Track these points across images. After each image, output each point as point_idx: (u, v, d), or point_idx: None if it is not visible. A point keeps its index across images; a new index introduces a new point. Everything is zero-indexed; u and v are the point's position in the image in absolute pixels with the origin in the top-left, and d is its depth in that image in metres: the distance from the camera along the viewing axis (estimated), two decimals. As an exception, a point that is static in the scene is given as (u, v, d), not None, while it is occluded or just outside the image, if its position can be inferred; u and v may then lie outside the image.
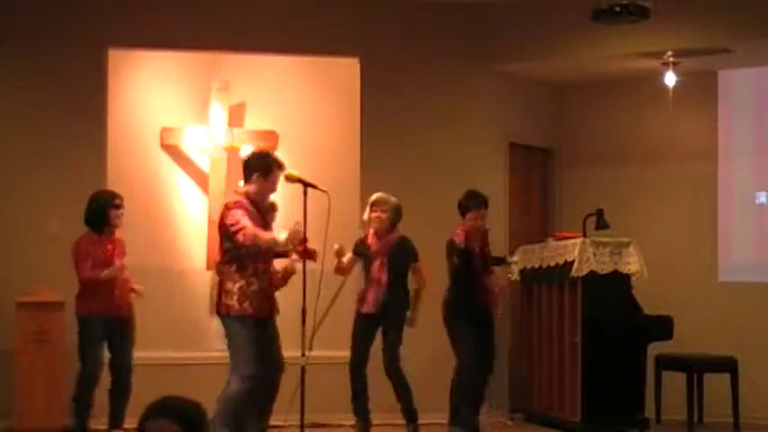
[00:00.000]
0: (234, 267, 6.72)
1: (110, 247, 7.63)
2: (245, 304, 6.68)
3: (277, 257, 6.98)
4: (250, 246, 6.61)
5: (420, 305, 8.01)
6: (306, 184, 6.96)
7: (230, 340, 6.75)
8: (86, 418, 7.57)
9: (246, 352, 6.66)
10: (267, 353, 6.76)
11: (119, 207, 7.61)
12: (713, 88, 9.54)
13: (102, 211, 7.61)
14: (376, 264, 7.92)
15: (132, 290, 7.76)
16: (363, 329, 7.93)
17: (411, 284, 8.04)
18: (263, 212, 6.86)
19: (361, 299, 7.96)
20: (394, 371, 7.86)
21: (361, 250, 8.01)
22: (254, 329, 6.69)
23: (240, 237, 6.58)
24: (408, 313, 7.96)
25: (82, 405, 7.53)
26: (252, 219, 6.67)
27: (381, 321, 7.89)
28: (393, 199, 7.97)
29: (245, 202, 6.77)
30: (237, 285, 6.69)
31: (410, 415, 7.95)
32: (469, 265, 7.85)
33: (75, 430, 7.58)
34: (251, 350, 6.66)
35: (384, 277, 7.89)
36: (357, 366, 7.90)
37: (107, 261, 7.56)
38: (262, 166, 6.82)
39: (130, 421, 7.24)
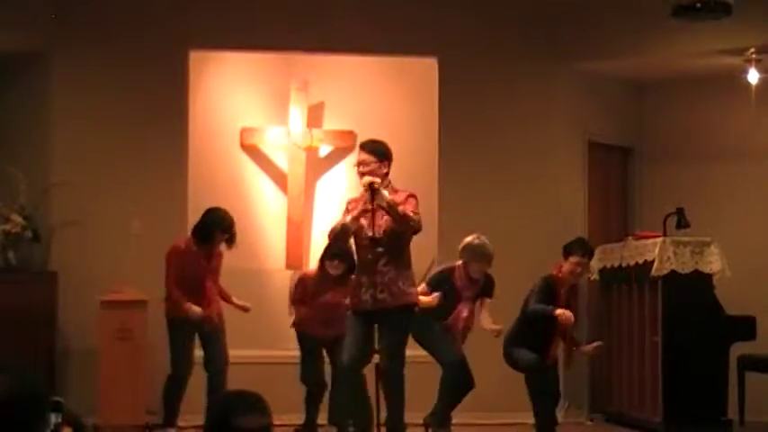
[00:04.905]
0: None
1: (204, 261, 7.69)
2: None
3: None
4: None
5: None
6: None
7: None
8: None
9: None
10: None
11: (225, 232, 7.62)
12: (797, 85, 9.39)
13: (208, 231, 7.67)
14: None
15: (240, 307, 7.95)
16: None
17: None
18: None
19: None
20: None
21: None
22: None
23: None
24: None
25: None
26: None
27: None
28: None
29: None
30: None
31: None
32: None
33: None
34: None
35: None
36: None
37: (195, 273, 7.64)
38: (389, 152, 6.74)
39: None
